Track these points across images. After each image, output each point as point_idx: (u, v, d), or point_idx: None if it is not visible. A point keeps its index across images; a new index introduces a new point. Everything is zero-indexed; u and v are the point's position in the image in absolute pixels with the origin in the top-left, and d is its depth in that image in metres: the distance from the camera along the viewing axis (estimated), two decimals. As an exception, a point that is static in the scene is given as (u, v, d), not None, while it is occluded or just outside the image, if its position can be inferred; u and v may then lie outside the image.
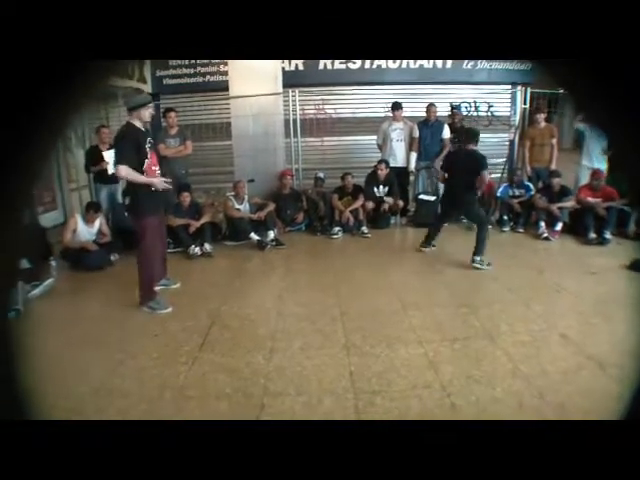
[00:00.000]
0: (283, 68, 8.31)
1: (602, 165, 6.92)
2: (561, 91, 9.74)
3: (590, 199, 6.37)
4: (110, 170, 6.45)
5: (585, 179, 7.07)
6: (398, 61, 9.92)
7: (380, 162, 7.07)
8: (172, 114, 6.78)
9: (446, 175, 5.63)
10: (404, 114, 7.38)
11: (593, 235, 6.01)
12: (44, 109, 0.65)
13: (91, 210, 5.58)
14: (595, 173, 6.56)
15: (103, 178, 6.54)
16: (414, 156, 7.21)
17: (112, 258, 5.59)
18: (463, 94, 10.20)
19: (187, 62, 9.81)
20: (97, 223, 5.65)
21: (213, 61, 9.74)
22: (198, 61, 9.77)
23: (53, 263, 5.00)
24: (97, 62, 0.66)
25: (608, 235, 5.99)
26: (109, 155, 6.43)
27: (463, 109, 9.08)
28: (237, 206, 6.48)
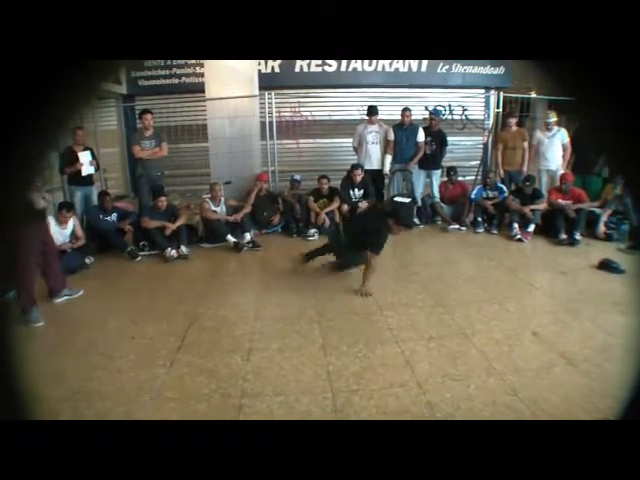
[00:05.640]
0: (259, 70, 8.32)
1: (559, 168, 7.17)
2: (533, 95, 9.93)
3: (561, 201, 6.52)
4: (85, 171, 6.39)
5: (544, 181, 7.27)
6: (374, 64, 10.00)
7: (355, 167, 7.05)
8: (148, 116, 6.71)
9: None
10: (379, 117, 7.44)
11: (564, 236, 6.16)
12: (43, 109, 0.66)
13: (63, 209, 5.34)
14: (563, 177, 6.74)
15: (78, 180, 6.45)
16: (389, 159, 7.23)
17: (87, 261, 5.49)
18: (438, 97, 10.33)
19: (162, 63, 9.74)
20: (70, 224, 5.44)
21: (189, 62, 9.70)
22: (174, 62, 9.71)
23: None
24: (96, 62, 0.66)
25: (578, 236, 6.13)
26: (84, 156, 6.36)
27: (441, 115, 9.17)
28: (213, 208, 6.46)
